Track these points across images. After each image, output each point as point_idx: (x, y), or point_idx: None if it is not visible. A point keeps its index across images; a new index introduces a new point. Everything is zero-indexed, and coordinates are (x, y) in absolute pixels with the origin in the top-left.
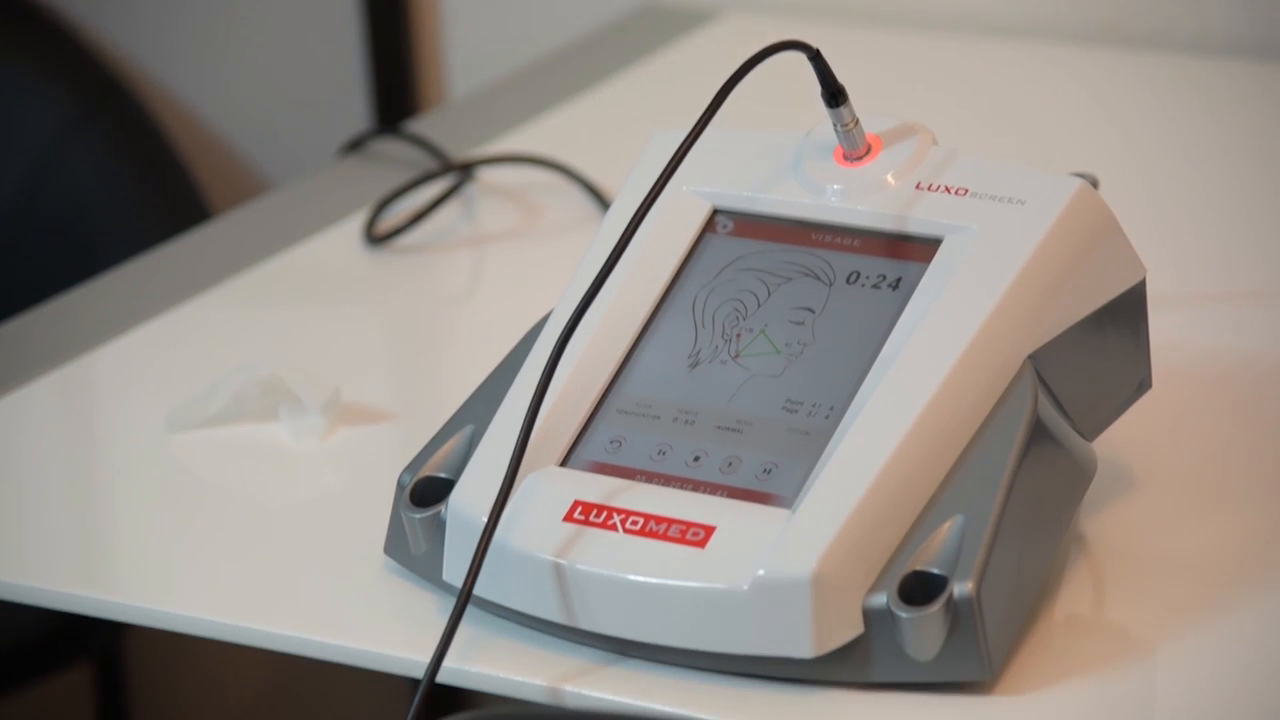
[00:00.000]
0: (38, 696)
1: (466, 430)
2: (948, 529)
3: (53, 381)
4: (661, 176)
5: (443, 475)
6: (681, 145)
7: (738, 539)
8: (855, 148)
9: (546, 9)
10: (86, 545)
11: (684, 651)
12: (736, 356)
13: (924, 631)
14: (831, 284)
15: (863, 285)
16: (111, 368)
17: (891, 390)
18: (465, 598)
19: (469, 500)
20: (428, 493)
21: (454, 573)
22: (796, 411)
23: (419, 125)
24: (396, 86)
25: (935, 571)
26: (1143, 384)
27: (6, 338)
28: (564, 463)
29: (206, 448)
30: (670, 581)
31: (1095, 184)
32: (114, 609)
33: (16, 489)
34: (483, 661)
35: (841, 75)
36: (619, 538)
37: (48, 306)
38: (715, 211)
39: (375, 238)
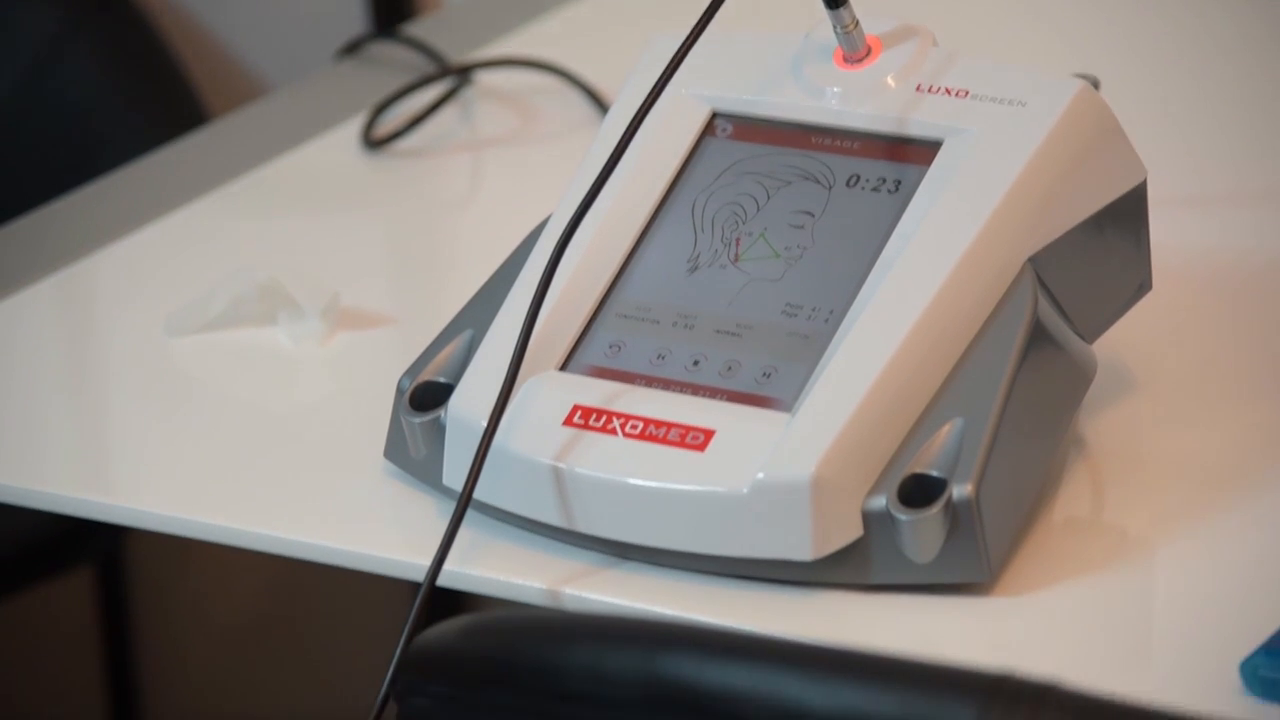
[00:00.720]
0: (39, 599)
1: (465, 335)
2: (947, 431)
3: (51, 285)
4: (660, 79)
5: (442, 380)
6: (680, 48)
7: (737, 443)
8: (855, 50)
9: None
10: (87, 449)
11: (683, 555)
12: (736, 260)
13: (923, 533)
14: (831, 187)
15: (862, 188)
16: (110, 272)
17: (891, 293)
18: (465, 501)
19: (468, 404)
20: (427, 397)
21: (454, 477)
22: (796, 315)
23: (416, 28)
24: None
25: (934, 474)
26: (1143, 286)
27: (4, 242)
28: (563, 367)
29: (205, 352)
30: (669, 485)
31: (1096, 85)
32: (114, 512)
33: (16, 392)
34: (483, 565)
35: None
36: (618, 442)
37: (45, 210)
38: (714, 115)
39: (373, 142)
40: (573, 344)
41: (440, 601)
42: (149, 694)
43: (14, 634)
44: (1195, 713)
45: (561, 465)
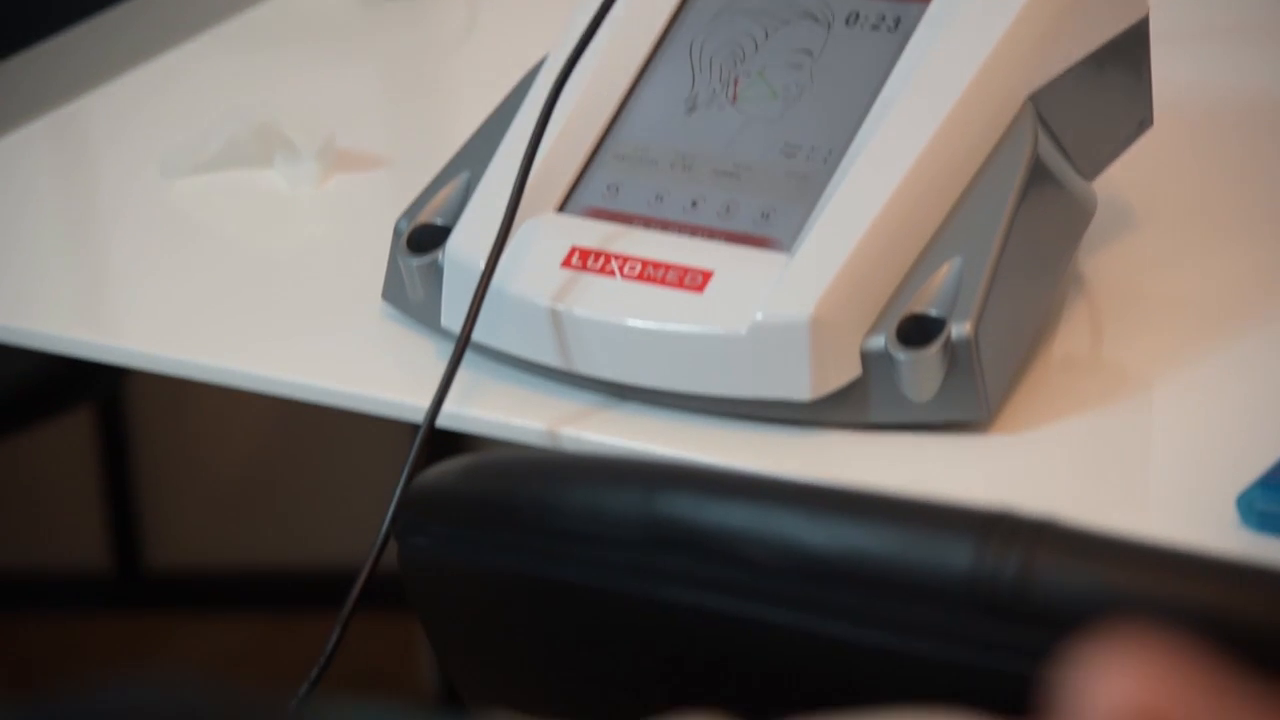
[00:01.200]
0: (40, 439)
1: (463, 176)
2: (946, 271)
3: (44, 126)
4: None
5: (439, 222)
6: None
7: (736, 283)
8: None
9: None
10: (84, 290)
11: (682, 395)
12: (734, 100)
13: (921, 373)
14: (830, 26)
15: (862, 26)
16: (104, 112)
17: (890, 132)
18: (463, 343)
19: (466, 246)
20: (425, 239)
21: (452, 318)
22: (795, 155)
23: None
24: None
25: (933, 313)
26: (1144, 122)
27: None
28: (561, 209)
29: (201, 193)
30: (668, 326)
31: None
32: (112, 353)
33: (12, 234)
34: (481, 406)
35: None
36: (617, 283)
37: (38, 50)
38: None
39: None
40: (570, 185)
41: (439, 443)
42: (149, 533)
43: (15, 474)
44: (1192, 547)
45: (560, 307)
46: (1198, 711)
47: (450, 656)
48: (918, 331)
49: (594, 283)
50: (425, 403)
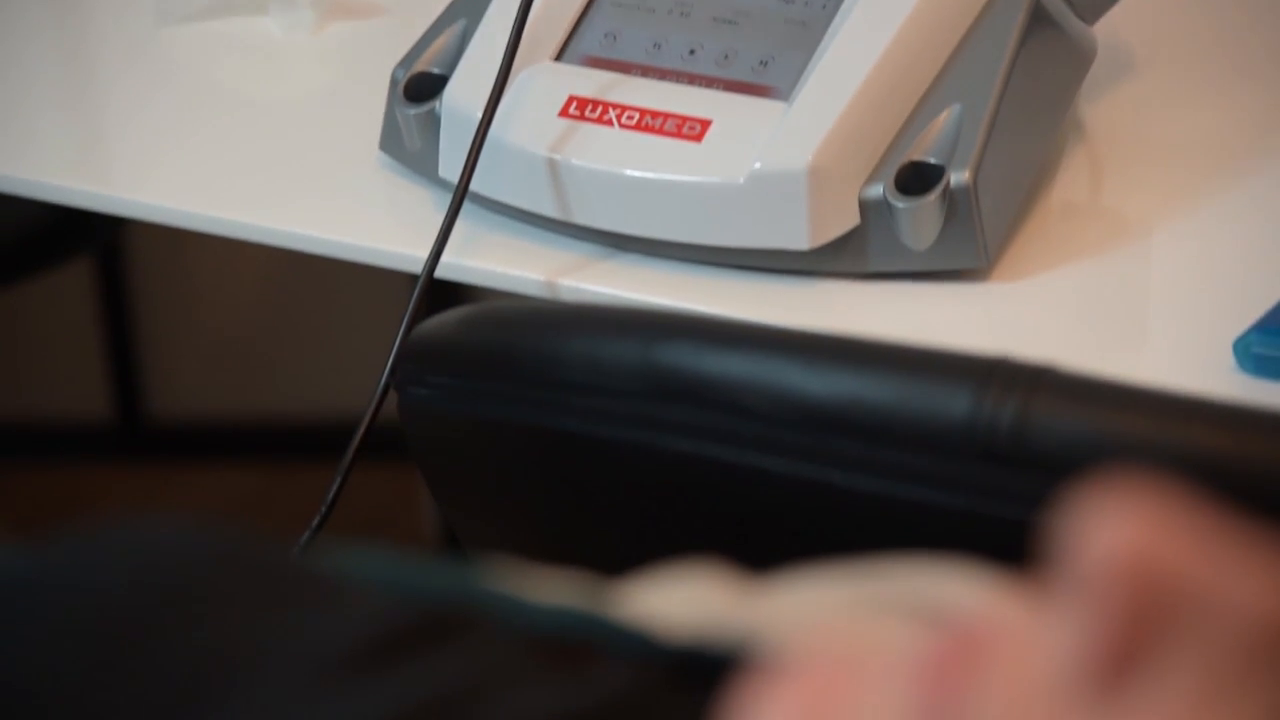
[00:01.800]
0: (40, 290)
1: (459, 24)
2: (945, 118)
3: None
4: None
5: (436, 70)
6: None
7: (734, 132)
8: None
9: None
10: (81, 139)
11: (681, 246)
12: None
13: (920, 221)
14: None
15: None
16: None
17: None
18: (461, 193)
19: (463, 95)
20: (422, 88)
21: (449, 168)
22: (793, 1)
23: None
24: None
25: (932, 161)
26: None
27: None
28: (558, 57)
29: (196, 41)
30: (666, 176)
31: None
32: (110, 203)
33: (8, 83)
34: (480, 256)
35: None
36: (614, 133)
37: None
38: None
39: None
40: (567, 34)
41: (438, 294)
42: (149, 384)
43: (14, 325)
44: (1188, 391)
45: (557, 157)
46: (1192, 555)
47: (450, 506)
48: (916, 179)
49: (591, 132)
50: (424, 253)
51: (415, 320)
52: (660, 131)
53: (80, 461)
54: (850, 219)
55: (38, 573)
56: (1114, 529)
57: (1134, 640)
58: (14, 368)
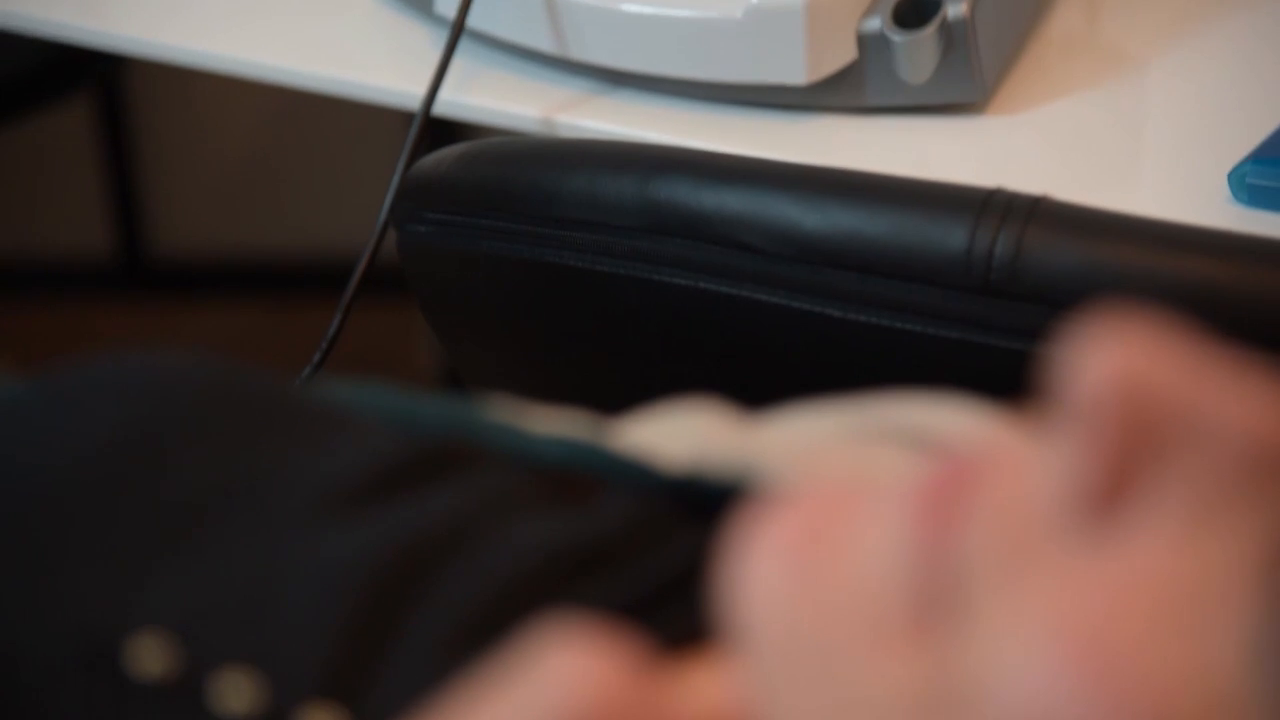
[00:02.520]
0: (41, 128)
1: None
2: None
3: None
4: None
5: None
6: None
7: None
8: None
9: None
10: None
11: (678, 81)
12: None
13: (917, 54)
14: None
15: None
16: None
17: None
18: (458, 29)
19: None
20: None
21: (446, 4)
22: None
23: None
24: None
25: None
26: None
27: None
28: None
29: None
30: (664, 11)
31: None
32: (110, 39)
33: None
34: (477, 93)
35: None
36: None
37: None
38: None
39: None
40: None
41: (436, 131)
42: (150, 221)
43: (16, 162)
44: (1184, 222)
45: None
46: (1184, 377)
47: (450, 343)
48: (913, 12)
49: None
50: (421, 90)
51: (414, 157)
52: None
53: (81, 299)
54: (847, 53)
55: (40, 399)
56: (1106, 354)
57: (1127, 465)
58: (15, 206)
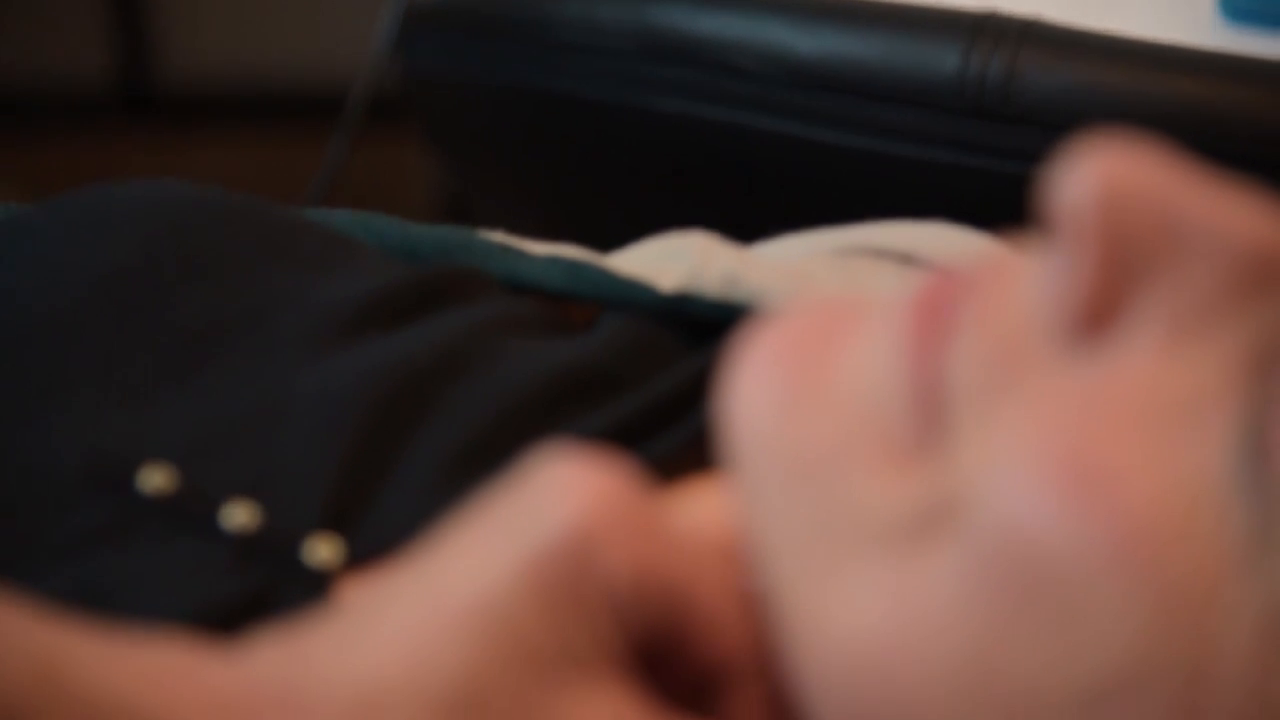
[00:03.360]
0: None
1: None
2: None
3: None
4: None
5: None
6: None
7: None
8: None
9: None
10: None
11: None
12: None
13: None
14: None
15: None
16: None
17: None
18: None
19: None
20: None
21: None
22: None
23: None
24: None
25: None
26: None
27: None
28: None
29: None
30: None
31: None
32: None
33: None
34: None
35: None
36: None
37: None
38: None
39: None
40: None
41: None
42: (154, 50)
43: None
44: (1173, 43)
45: None
46: (1170, 190)
47: (452, 173)
48: None
49: None
50: None
51: None
52: None
53: (83, 130)
54: None
55: (43, 227)
56: (1091, 166)
57: (1113, 278)
58: (17, 33)
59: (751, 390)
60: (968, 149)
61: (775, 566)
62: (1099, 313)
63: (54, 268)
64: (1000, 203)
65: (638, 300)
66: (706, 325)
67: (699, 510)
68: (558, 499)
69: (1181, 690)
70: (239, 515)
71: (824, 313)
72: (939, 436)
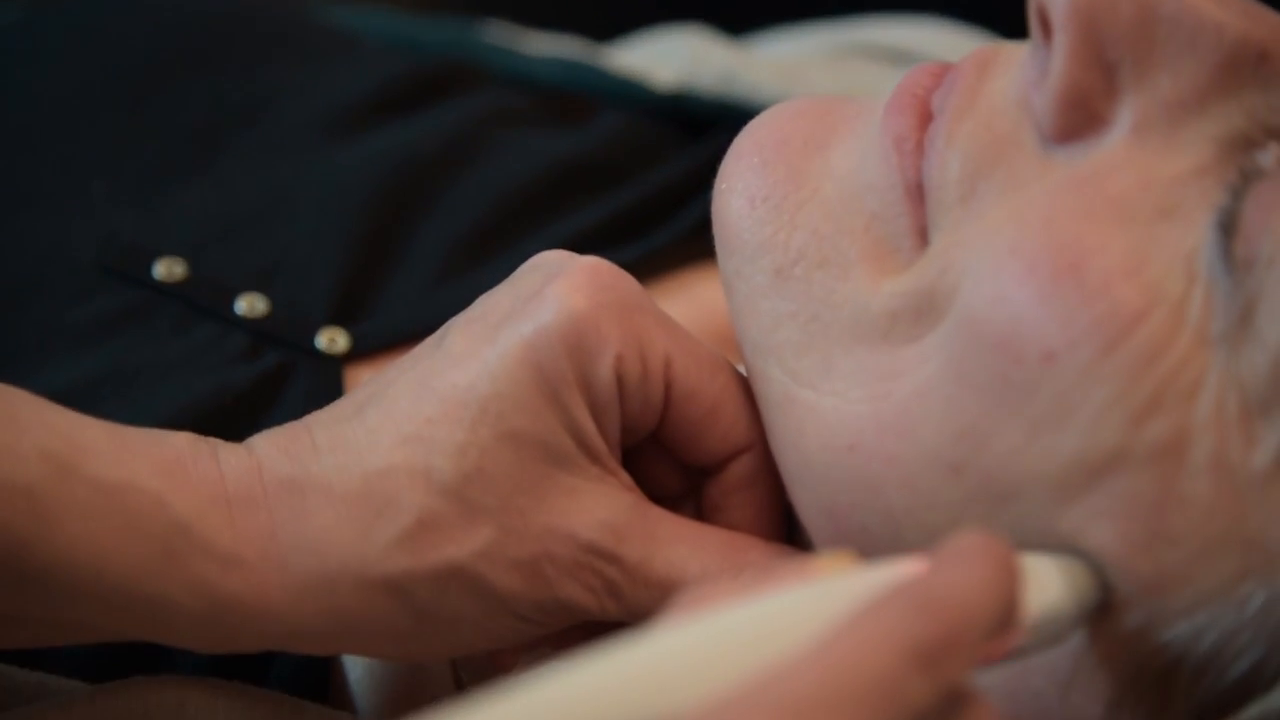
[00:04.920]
0: None
1: None
2: None
3: None
4: None
5: None
6: None
7: None
8: None
9: None
10: None
11: None
12: None
13: None
14: None
15: None
16: None
17: None
18: None
19: None
20: None
21: None
22: None
23: None
24: None
25: None
26: None
27: None
28: None
29: None
30: None
31: None
32: None
33: None
34: None
35: None
36: None
37: None
38: None
39: None
40: None
41: None
42: None
43: None
44: None
45: None
46: None
47: None
48: None
49: None
50: None
51: None
52: None
53: None
54: None
55: (49, 26)
56: None
57: (1094, 66)
58: None
59: (740, 189)
60: None
61: (765, 363)
62: (1079, 105)
63: (63, 64)
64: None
65: (635, 96)
66: (702, 121)
67: (696, 302)
68: (554, 290)
69: (1157, 466)
70: (254, 304)
71: (813, 112)
72: (924, 232)
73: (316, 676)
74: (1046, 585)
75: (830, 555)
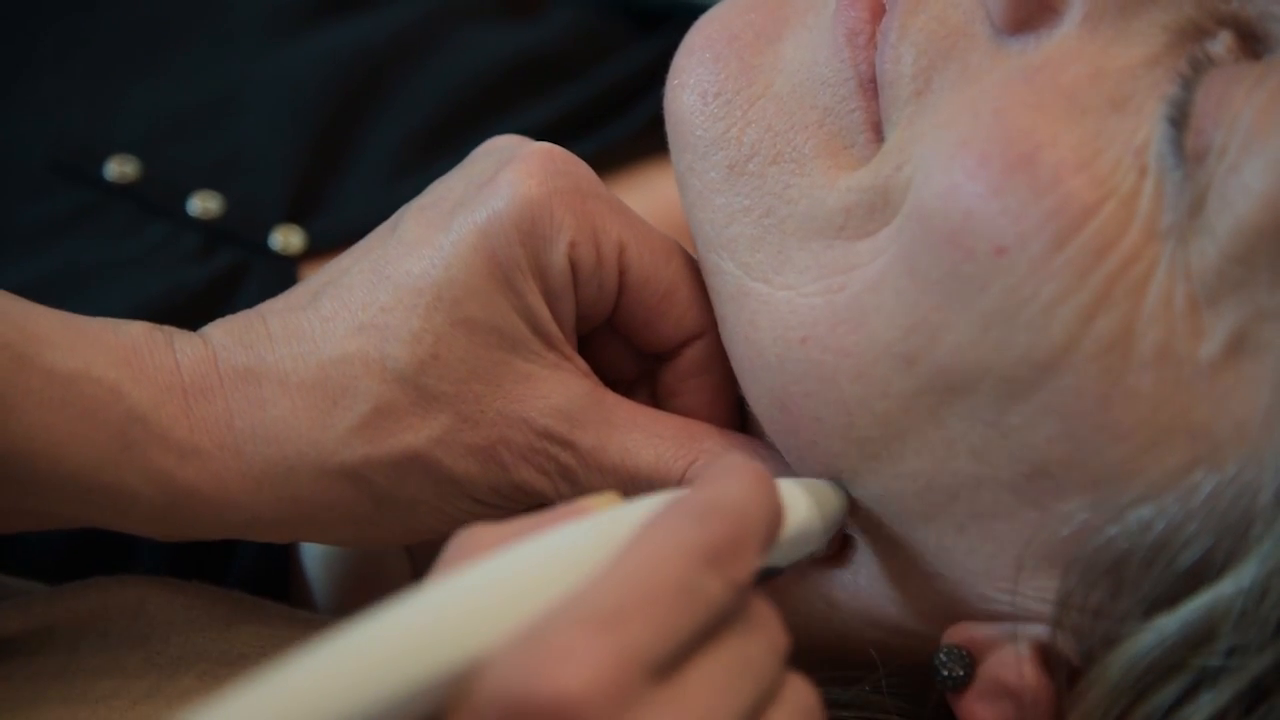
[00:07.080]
0: None
1: None
2: None
3: None
4: None
5: None
6: None
7: None
8: None
9: None
10: None
11: None
12: None
13: None
14: None
15: None
16: None
17: None
18: None
19: None
20: None
21: None
22: None
23: None
24: None
25: None
26: None
27: None
28: None
29: None
30: None
31: None
32: None
33: None
34: None
35: None
36: None
37: None
38: None
39: None
40: None
41: None
42: None
43: None
44: None
45: None
46: None
47: None
48: None
49: None
50: None
51: None
52: None
53: None
54: None
55: None
56: None
57: None
58: None
59: (691, 84)
60: None
61: (718, 258)
62: (1035, 6)
63: None
64: None
65: None
66: (655, 16)
67: (651, 195)
68: (507, 176)
69: (1104, 360)
70: (208, 203)
71: (765, 5)
72: (879, 126)
73: (276, 574)
74: (795, 504)
75: (599, 495)
